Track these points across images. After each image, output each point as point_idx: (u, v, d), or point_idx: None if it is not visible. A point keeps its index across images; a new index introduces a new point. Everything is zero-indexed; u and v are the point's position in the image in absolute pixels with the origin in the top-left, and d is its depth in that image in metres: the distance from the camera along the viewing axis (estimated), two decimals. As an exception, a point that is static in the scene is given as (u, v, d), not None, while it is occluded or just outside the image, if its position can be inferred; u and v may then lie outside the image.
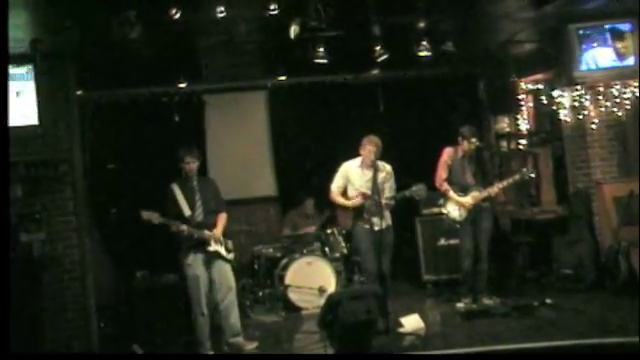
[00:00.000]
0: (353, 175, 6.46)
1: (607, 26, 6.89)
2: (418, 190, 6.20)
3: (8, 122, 5.08)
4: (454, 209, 6.77)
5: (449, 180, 6.80)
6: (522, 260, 7.72)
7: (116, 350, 6.24)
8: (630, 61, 6.91)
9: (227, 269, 5.97)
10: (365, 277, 6.59)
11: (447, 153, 6.86)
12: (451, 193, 6.76)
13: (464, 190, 6.76)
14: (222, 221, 6.04)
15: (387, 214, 6.33)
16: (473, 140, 6.70)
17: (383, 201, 6.18)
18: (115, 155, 8.46)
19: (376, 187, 6.21)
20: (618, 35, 6.90)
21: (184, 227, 5.74)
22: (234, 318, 5.96)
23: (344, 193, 6.52)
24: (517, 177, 6.66)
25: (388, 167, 6.46)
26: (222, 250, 5.94)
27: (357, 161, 6.47)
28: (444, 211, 6.85)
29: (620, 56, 6.91)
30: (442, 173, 6.80)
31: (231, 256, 6.02)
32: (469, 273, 6.78)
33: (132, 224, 6.46)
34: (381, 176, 6.30)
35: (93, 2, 5.23)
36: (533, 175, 6.76)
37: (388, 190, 6.36)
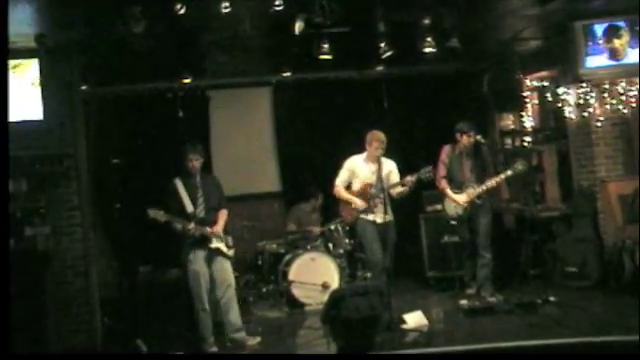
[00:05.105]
0: (358, 168, 6.55)
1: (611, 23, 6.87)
2: (426, 172, 6.26)
3: (8, 117, 5.10)
4: (450, 206, 6.82)
5: (448, 177, 6.83)
6: (526, 257, 7.69)
7: (119, 344, 6.24)
8: (633, 58, 6.88)
9: (227, 266, 5.98)
10: (370, 269, 6.65)
11: (444, 151, 6.94)
12: (447, 191, 6.82)
13: (461, 187, 6.80)
14: (223, 218, 6.05)
15: (389, 209, 6.36)
16: (471, 134, 6.72)
17: (390, 191, 6.27)
18: (119, 150, 8.44)
19: (381, 178, 6.28)
20: (619, 32, 6.87)
21: (191, 226, 5.75)
22: (234, 314, 5.96)
23: (348, 187, 6.58)
24: (509, 172, 6.70)
25: (392, 162, 6.58)
26: (223, 247, 5.95)
27: (362, 155, 6.57)
28: (440, 208, 6.90)
29: (619, 54, 6.89)
30: (440, 171, 6.87)
31: (231, 252, 6.04)
32: (470, 269, 6.81)
33: (136, 219, 6.48)
34: (386, 169, 6.40)
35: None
36: (524, 167, 6.69)
37: (393, 181, 6.44)
